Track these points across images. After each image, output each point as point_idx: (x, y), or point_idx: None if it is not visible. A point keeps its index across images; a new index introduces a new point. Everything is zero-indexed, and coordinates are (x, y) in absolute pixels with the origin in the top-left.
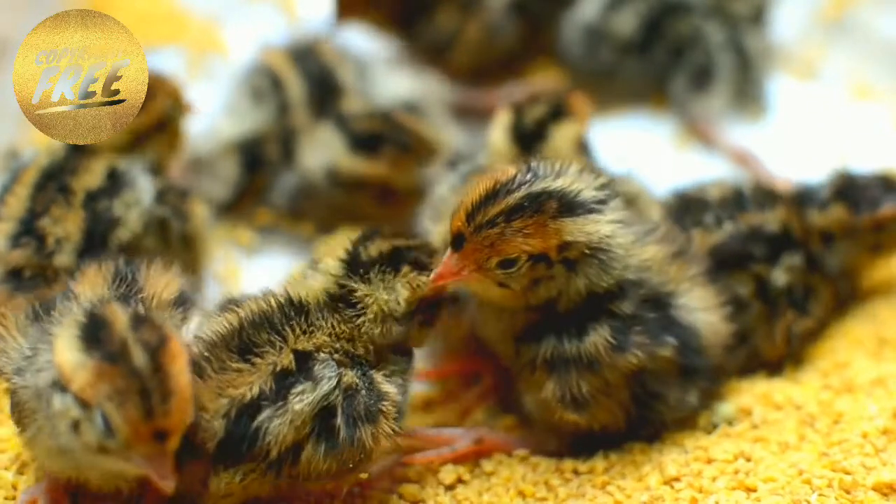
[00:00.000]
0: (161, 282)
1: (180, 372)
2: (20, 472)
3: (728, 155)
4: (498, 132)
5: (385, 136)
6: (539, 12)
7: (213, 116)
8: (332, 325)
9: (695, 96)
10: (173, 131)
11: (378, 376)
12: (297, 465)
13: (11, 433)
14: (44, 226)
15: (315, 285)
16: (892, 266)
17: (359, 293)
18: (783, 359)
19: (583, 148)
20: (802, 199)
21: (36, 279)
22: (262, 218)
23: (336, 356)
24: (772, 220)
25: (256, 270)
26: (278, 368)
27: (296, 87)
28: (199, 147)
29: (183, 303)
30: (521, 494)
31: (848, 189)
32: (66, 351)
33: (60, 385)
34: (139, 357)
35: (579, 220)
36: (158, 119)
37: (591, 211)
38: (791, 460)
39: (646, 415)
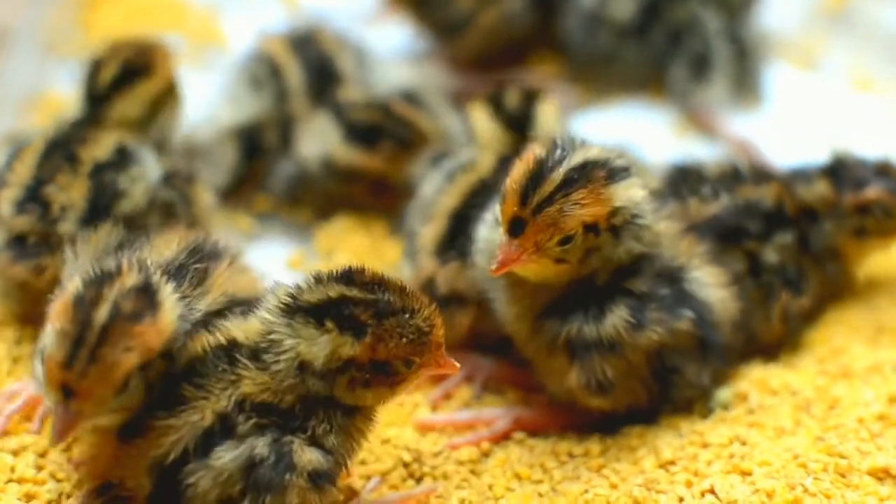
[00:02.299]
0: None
1: (124, 351)
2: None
3: (728, 143)
4: (482, 123)
5: (384, 129)
6: (553, 2)
7: (213, 105)
8: (256, 374)
9: (694, 85)
10: (177, 93)
11: (297, 442)
12: None
13: None
14: (49, 192)
15: (252, 326)
16: (890, 255)
17: (276, 336)
18: (781, 340)
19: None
20: (795, 176)
21: (39, 246)
22: (261, 204)
23: (258, 419)
24: (767, 195)
25: (255, 256)
26: (204, 426)
27: (295, 74)
28: (199, 134)
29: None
30: (517, 476)
31: (837, 168)
32: (75, 278)
33: None
34: (101, 315)
35: (622, 184)
36: (168, 82)
37: (627, 175)
38: (786, 445)
39: (667, 391)
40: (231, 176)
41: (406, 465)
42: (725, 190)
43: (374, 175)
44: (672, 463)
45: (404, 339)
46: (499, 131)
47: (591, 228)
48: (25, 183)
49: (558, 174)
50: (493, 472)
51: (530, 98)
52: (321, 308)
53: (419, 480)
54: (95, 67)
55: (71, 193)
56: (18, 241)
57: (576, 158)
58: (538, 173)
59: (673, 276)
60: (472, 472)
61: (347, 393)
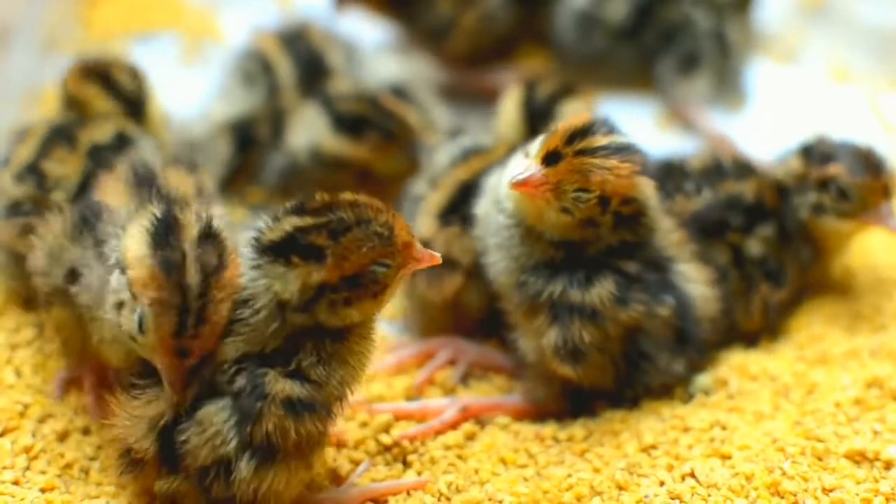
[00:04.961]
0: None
1: (222, 302)
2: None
3: (707, 138)
4: (510, 106)
5: (370, 120)
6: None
7: (208, 101)
8: (233, 338)
9: (680, 80)
10: None
11: (272, 373)
12: (229, 483)
13: None
14: (46, 166)
15: None
16: (866, 245)
17: (251, 286)
18: (761, 331)
19: None
20: (776, 160)
21: (31, 210)
22: (254, 196)
23: (238, 366)
24: (747, 190)
25: None
26: (191, 393)
27: (286, 69)
28: (194, 130)
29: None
30: (503, 461)
31: (813, 144)
32: (134, 240)
33: (122, 266)
34: (193, 275)
35: (647, 182)
36: None
37: (650, 178)
38: (765, 429)
39: (634, 375)
40: (225, 169)
41: (388, 448)
42: (708, 185)
43: (359, 165)
44: (654, 447)
45: (364, 248)
46: (518, 121)
47: (604, 202)
48: (26, 161)
49: (606, 138)
50: (479, 457)
51: (561, 94)
52: (282, 245)
53: (406, 464)
54: (124, 74)
55: (66, 168)
56: (13, 207)
57: (623, 139)
58: (589, 128)
59: (661, 266)
60: (459, 456)
61: (331, 316)
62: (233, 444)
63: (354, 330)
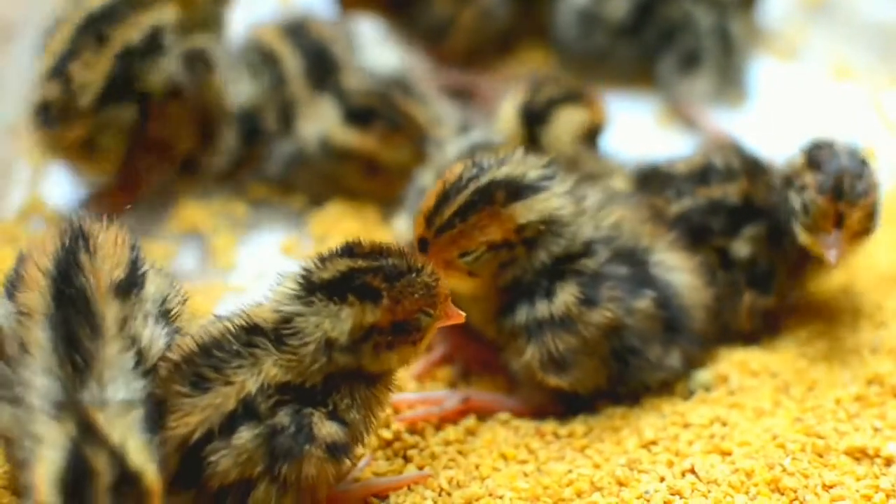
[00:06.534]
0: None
1: None
2: None
3: (707, 136)
4: (508, 107)
5: (377, 111)
6: None
7: None
8: (279, 357)
9: (681, 78)
10: None
11: (317, 414)
12: (244, 502)
13: None
14: (72, 69)
15: (267, 309)
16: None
17: (299, 321)
18: (752, 333)
19: (590, 138)
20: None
21: (59, 116)
22: (256, 192)
23: (279, 396)
24: (731, 192)
25: (250, 243)
26: (227, 410)
27: (291, 59)
28: None
29: (132, 281)
30: (503, 456)
31: (817, 147)
32: (47, 488)
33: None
34: None
35: (528, 201)
36: None
37: (537, 190)
38: (765, 425)
39: (626, 372)
40: (229, 159)
41: (389, 443)
42: (688, 192)
43: (366, 156)
44: (654, 443)
45: (416, 295)
46: (514, 121)
47: (501, 245)
48: (59, 53)
49: (461, 197)
50: (480, 453)
51: (564, 98)
52: (338, 283)
53: (407, 459)
54: None
55: (93, 72)
56: (44, 110)
57: (484, 179)
58: (444, 196)
59: (635, 258)
60: (460, 452)
61: (373, 360)
62: (259, 468)
63: (383, 379)
